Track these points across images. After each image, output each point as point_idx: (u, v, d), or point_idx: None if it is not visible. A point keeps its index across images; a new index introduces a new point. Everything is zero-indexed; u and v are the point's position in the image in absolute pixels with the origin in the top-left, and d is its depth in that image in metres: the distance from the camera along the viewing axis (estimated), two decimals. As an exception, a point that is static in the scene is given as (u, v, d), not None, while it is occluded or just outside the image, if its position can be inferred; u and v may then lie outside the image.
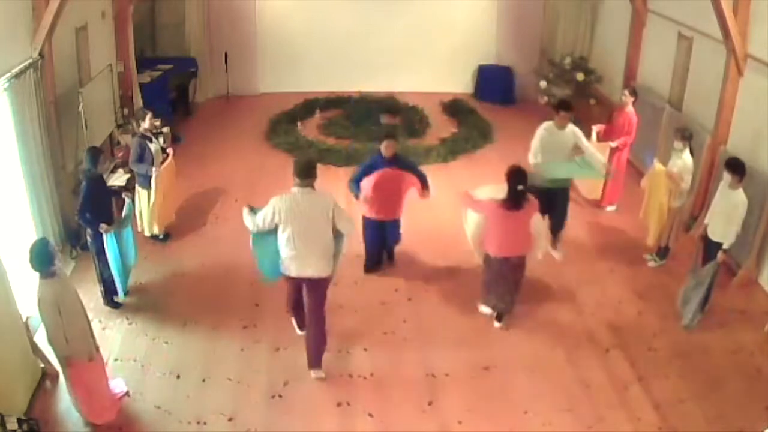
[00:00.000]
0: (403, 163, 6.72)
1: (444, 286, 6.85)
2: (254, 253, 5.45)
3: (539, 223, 6.14)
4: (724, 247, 5.92)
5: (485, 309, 6.32)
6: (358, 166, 6.97)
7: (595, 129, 8.34)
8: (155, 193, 7.15)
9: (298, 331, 5.90)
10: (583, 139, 7.07)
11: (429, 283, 6.90)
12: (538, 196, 6.07)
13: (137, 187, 7.29)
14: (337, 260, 5.43)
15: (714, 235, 6.07)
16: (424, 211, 8.20)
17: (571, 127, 7.00)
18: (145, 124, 7.08)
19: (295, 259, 5.18)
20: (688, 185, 6.84)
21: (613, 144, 7.93)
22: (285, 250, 5.20)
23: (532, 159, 6.95)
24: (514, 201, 5.70)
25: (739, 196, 5.87)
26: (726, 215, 5.92)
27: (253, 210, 5.35)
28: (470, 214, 6.28)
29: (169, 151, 7.68)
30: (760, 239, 6.69)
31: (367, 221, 6.89)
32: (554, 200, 6.97)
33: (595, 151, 7.18)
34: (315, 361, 5.52)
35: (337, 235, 5.33)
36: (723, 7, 6.85)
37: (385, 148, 6.53)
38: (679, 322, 6.26)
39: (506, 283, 6.01)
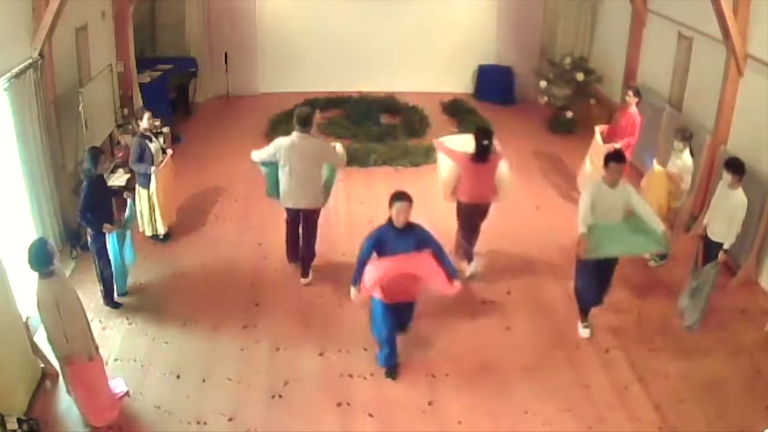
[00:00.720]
0: (419, 236, 5.25)
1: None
2: (264, 175, 6.66)
3: (503, 170, 6.71)
4: (725, 247, 5.92)
5: (465, 265, 6.82)
6: (363, 241, 5.35)
7: (599, 129, 8.33)
8: (157, 193, 7.15)
9: (288, 262, 7.02)
10: (636, 198, 5.79)
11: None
12: (584, 267, 5.81)
13: (137, 187, 7.29)
14: (329, 191, 6.71)
15: (714, 236, 6.07)
16: (424, 212, 8.19)
17: (624, 185, 5.75)
18: (144, 124, 7.08)
19: (291, 192, 6.40)
20: (688, 185, 6.85)
21: (617, 145, 7.92)
22: (283, 183, 6.40)
23: (582, 228, 5.64)
24: (480, 155, 6.44)
25: (739, 196, 5.87)
26: (726, 215, 5.92)
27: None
28: (443, 161, 6.90)
29: (169, 151, 7.69)
30: (760, 239, 6.69)
31: (376, 304, 5.50)
32: (604, 271, 6.00)
33: (652, 212, 5.83)
34: (305, 273, 6.83)
35: (331, 169, 6.60)
36: (723, 7, 6.85)
37: (396, 213, 5.11)
38: (679, 322, 6.26)
39: (472, 228, 6.84)
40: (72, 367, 4.84)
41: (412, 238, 5.18)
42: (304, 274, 6.85)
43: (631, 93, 7.94)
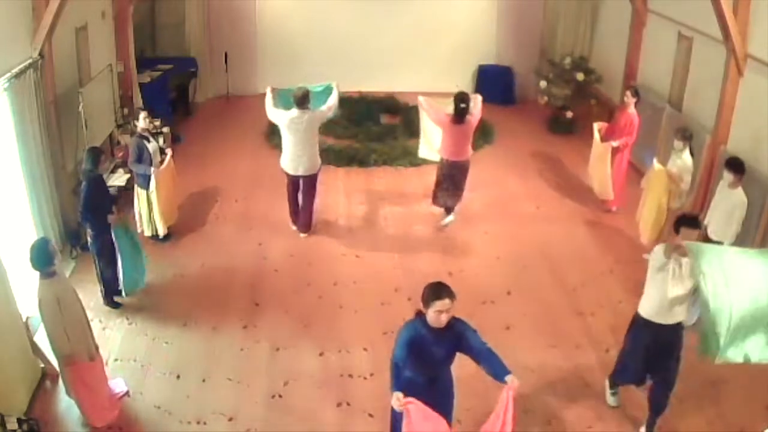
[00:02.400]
0: (460, 337, 4.10)
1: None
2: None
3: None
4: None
5: (437, 208, 7.90)
6: (396, 345, 4.08)
7: (597, 126, 8.34)
8: (156, 193, 7.15)
9: (293, 227, 7.77)
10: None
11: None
12: (637, 336, 4.91)
13: (136, 188, 7.29)
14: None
15: (714, 235, 6.06)
16: (424, 211, 8.21)
17: (692, 251, 4.37)
18: (141, 124, 7.07)
19: (291, 160, 7.35)
20: (688, 185, 6.84)
21: (615, 144, 7.93)
22: (284, 150, 7.42)
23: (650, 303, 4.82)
24: (458, 116, 7.38)
25: (739, 196, 5.86)
26: (726, 215, 5.92)
27: (275, 92, 7.61)
28: (425, 119, 8.15)
29: (168, 151, 7.69)
30: (760, 239, 6.68)
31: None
32: (663, 352, 4.79)
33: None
34: (304, 227, 7.72)
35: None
36: (723, 7, 6.85)
37: (437, 315, 3.92)
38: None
39: (454, 183, 7.66)
40: (73, 367, 4.84)
41: (453, 338, 4.03)
42: (304, 229, 7.69)
43: (629, 93, 7.94)
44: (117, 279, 6.41)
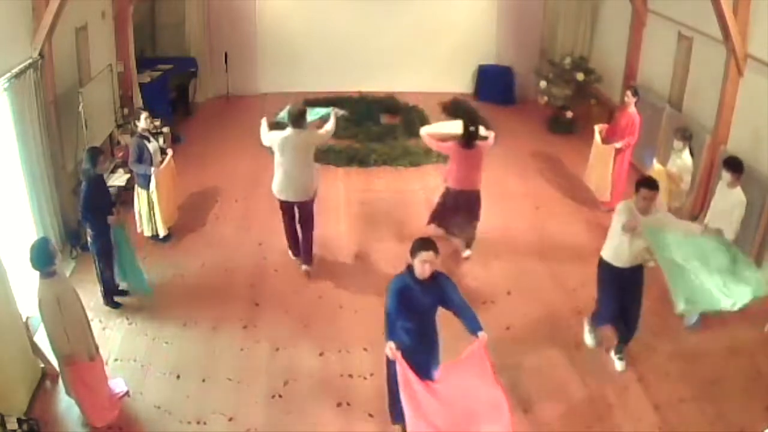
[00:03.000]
0: (443, 289, 4.51)
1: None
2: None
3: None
4: None
5: (435, 229, 7.25)
6: (388, 297, 4.55)
7: (598, 128, 8.34)
8: (157, 193, 7.15)
9: (292, 256, 7.14)
10: (678, 223, 5.55)
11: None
12: (604, 277, 5.57)
13: (137, 188, 7.29)
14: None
15: None
16: (424, 212, 8.20)
17: (656, 213, 5.39)
18: (142, 124, 7.07)
19: (283, 183, 6.65)
20: (688, 185, 6.84)
21: (618, 145, 7.92)
22: (277, 175, 6.68)
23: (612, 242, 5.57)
24: (467, 140, 6.74)
25: (738, 195, 5.86)
26: (725, 214, 5.90)
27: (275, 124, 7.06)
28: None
29: (169, 151, 7.68)
30: (760, 239, 6.68)
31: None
32: (627, 286, 5.49)
33: (695, 225, 5.68)
34: (306, 260, 6.98)
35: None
36: (723, 7, 6.85)
37: (422, 265, 4.34)
38: (679, 322, 6.25)
39: (465, 215, 7.08)
40: (73, 367, 4.84)
41: (436, 289, 4.46)
42: (306, 262, 7.00)
43: (629, 93, 7.94)
44: (116, 279, 6.43)
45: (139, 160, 7.03)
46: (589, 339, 5.92)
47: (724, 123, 7.43)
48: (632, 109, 7.88)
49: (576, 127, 10.76)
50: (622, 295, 5.50)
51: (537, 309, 6.52)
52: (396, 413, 4.78)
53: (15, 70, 6.20)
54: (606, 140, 8.15)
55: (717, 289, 5.07)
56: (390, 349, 4.28)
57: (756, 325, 6.22)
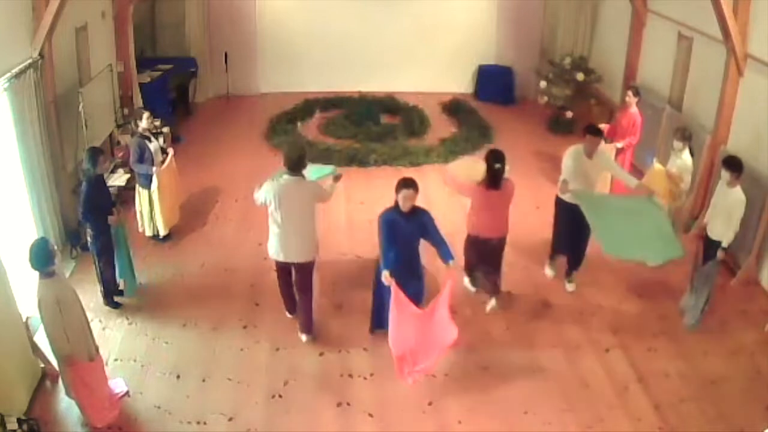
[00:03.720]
0: (423, 221, 5.51)
1: (444, 285, 6.83)
2: None
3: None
4: (723, 245, 5.92)
5: (471, 286, 6.65)
6: (379, 224, 5.54)
7: (600, 128, 8.31)
8: (159, 193, 7.15)
9: (288, 315, 6.24)
10: (617, 168, 6.62)
11: (429, 283, 6.87)
12: (560, 212, 6.56)
13: (138, 188, 7.29)
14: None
15: (713, 234, 6.07)
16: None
17: (601, 154, 6.40)
18: (143, 124, 7.07)
19: (282, 243, 5.68)
20: (688, 185, 6.85)
21: (619, 145, 7.91)
22: (273, 234, 5.71)
23: (564, 177, 6.34)
24: (492, 180, 5.91)
25: (737, 194, 5.86)
26: (725, 214, 5.92)
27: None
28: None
29: (170, 150, 7.68)
30: (760, 239, 6.69)
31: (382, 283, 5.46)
32: (576, 218, 6.21)
33: (631, 177, 6.47)
34: (304, 328, 6.02)
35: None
36: (723, 7, 6.85)
37: (403, 199, 5.38)
38: (679, 322, 6.27)
39: (491, 263, 6.30)
40: (73, 367, 4.84)
41: (417, 222, 5.48)
42: (304, 330, 6.00)
43: (630, 93, 7.94)
44: (117, 279, 6.43)
45: (140, 160, 7.03)
46: (548, 271, 7.01)
47: (724, 123, 7.43)
48: (634, 109, 7.88)
49: (576, 127, 10.74)
50: (572, 228, 6.40)
51: (537, 308, 6.51)
52: (374, 324, 5.95)
53: (15, 70, 6.20)
54: (607, 140, 8.14)
55: (636, 241, 5.98)
56: (385, 276, 5.28)
57: (756, 325, 6.23)
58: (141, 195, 7.26)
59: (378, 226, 5.55)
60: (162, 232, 7.41)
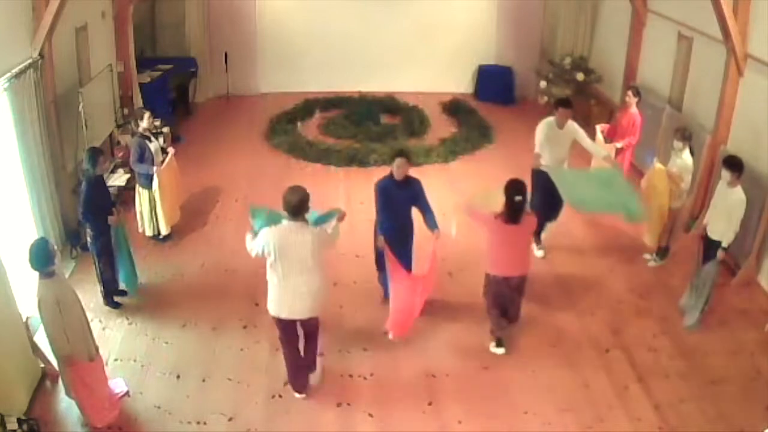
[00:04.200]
0: (415, 189, 5.96)
1: (444, 286, 6.84)
2: None
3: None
4: (723, 245, 5.92)
5: (497, 350, 5.88)
6: (375, 191, 5.99)
7: (600, 128, 8.33)
8: (159, 193, 7.15)
9: (296, 394, 5.37)
10: (585, 139, 7.06)
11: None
12: (537, 182, 6.90)
13: (138, 187, 7.29)
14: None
15: (713, 234, 6.07)
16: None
17: (571, 125, 7.01)
18: (144, 124, 7.07)
19: (285, 299, 4.97)
20: (688, 185, 6.84)
21: (619, 145, 7.91)
22: (274, 288, 4.99)
23: (537, 149, 7.03)
24: (512, 214, 5.44)
25: (738, 194, 5.86)
26: (725, 213, 5.92)
27: (256, 234, 5.07)
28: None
29: (170, 150, 7.69)
30: (760, 239, 6.69)
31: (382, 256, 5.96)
32: (555, 191, 6.59)
33: (598, 147, 7.33)
34: (310, 367, 5.51)
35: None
36: (723, 7, 6.85)
37: (397, 168, 5.81)
38: (679, 322, 6.27)
39: (512, 303, 5.82)
40: (73, 367, 4.84)
41: (410, 189, 5.96)
42: (310, 369, 5.54)
43: (630, 93, 7.94)
44: (117, 279, 6.43)
45: (141, 159, 7.03)
46: (537, 251, 7.34)
47: (724, 123, 7.43)
48: (634, 109, 7.88)
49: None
50: (546, 196, 6.84)
51: (536, 308, 6.51)
52: (385, 292, 6.19)
53: (15, 70, 6.21)
54: (607, 140, 8.14)
55: (603, 202, 6.47)
56: (380, 241, 5.87)
57: (756, 325, 6.23)
58: (141, 195, 7.26)
59: (374, 194, 5.98)
60: (163, 232, 7.40)
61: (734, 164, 5.88)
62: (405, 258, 6.03)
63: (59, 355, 4.83)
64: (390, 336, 5.89)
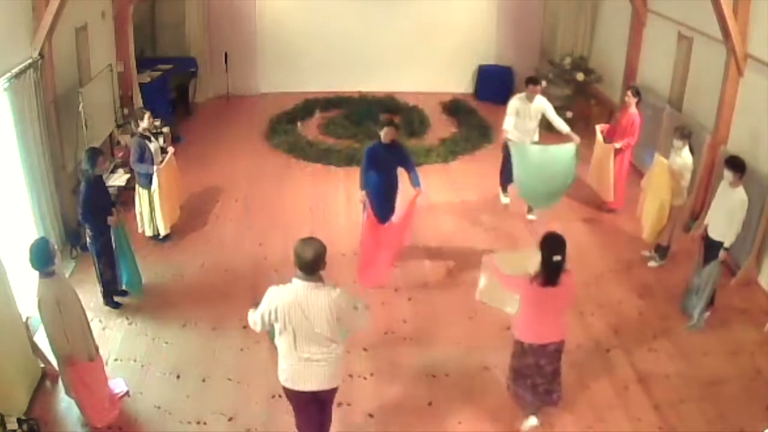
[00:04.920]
0: (400, 152, 6.92)
1: (444, 286, 6.85)
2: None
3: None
4: (725, 245, 5.91)
5: (531, 423, 5.07)
6: (364, 155, 6.88)
7: (599, 128, 8.33)
8: (159, 192, 7.15)
9: None
10: (551, 112, 7.92)
11: (429, 283, 6.90)
12: (506, 154, 7.90)
13: (138, 187, 7.29)
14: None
15: (714, 234, 6.06)
16: (424, 212, 8.20)
17: (540, 99, 7.91)
18: (144, 124, 7.06)
19: (297, 368, 4.26)
20: (688, 183, 6.85)
21: (618, 145, 7.92)
22: (284, 356, 4.28)
23: (507, 126, 7.91)
24: (549, 275, 4.59)
25: (740, 195, 5.86)
26: (726, 214, 5.91)
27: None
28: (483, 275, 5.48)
29: (170, 149, 7.68)
30: (760, 239, 6.69)
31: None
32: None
33: (563, 123, 7.92)
34: None
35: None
36: (723, 7, 6.85)
37: (385, 134, 6.75)
38: (678, 322, 6.27)
39: (544, 374, 4.90)
40: (73, 367, 4.84)
41: (395, 153, 6.83)
42: None
43: (630, 93, 7.94)
44: (117, 279, 6.43)
45: (141, 159, 7.03)
46: (504, 199, 8.50)
47: (724, 123, 7.43)
48: (633, 109, 7.88)
49: (576, 128, 10.71)
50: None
51: (537, 309, 6.51)
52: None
53: (15, 70, 6.20)
54: (607, 141, 8.15)
55: (544, 195, 7.60)
56: (362, 195, 6.74)
57: (756, 325, 6.23)
58: (141, 195, 7.26)
59: (364, 158, 6.81)
60: (162, 232, 7.40)
61: (737, 164, 5.87)
62: (389, 210, 7.02)
63: (59, 354, 4.83)
64: (359, 285, 6.49)
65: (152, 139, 7.25)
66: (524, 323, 4.82)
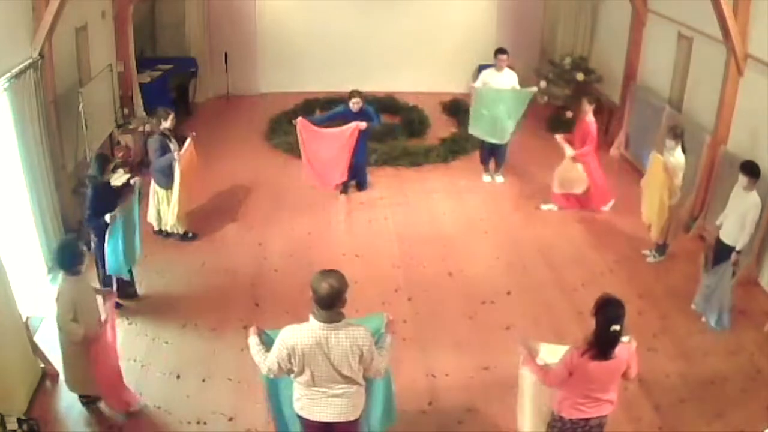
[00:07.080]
0: (366, 113, 8.33)
1: (444, 286, 6.85)
2: (269, 401, 4.32)
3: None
4: (738, 248, 5.92)
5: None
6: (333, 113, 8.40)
7: (558, 138, 8.24)
8: (179, 190, 7.14)
9: None
10: (516, 84, 8.82)
11: (429, 284, 6.90)
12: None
13: (154, 186, 7.26)
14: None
15: (727, 238, 6.06)
16: (424, 212, 8.23)
17: (508, 70, 8.79)
18: (167, 124, 7.06)
19: (314, 401, 3.95)
20: (680, 182, 6.86)
21: (570, 153, 7.93)
22: (299, 388, 3.97)
23: (476, 85, 8.95)
24: (604, 348, 3.86)
25: (753, 198, 5.88)
26: (740, 217, 5.93)
27: (262, 337, 4.08)
28: (526, 380, 4.49)
29: (192, 134, 7.69)
30: (760, 239, 6.68)
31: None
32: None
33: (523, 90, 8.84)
34: None
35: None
36: (723, 7, 6.85)
37: (353, 104, 8.28)
38: (678, 322, 6.27)
39: None
40: (92, 347, 4.78)
41: (363, 114, 8.28)
42: None
43: (586, 101, 7.98)
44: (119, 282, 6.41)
45: (162, 156, 7.03)
46: (486, 177, 9.20)
47: (724, 123, 7.43)
48: (590, 117, 7.92)
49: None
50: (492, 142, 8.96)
51: (537, 309, 6.52)
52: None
53: (15, 70, 6.21)
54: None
55: (496, 130, 8.77)
56: (299, 122, 8.25)
57: (756, 325, 6.23)
58: (158, 194, 7.25)
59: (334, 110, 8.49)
60: (180, 230, 7.43)
61: (751, 169, 5.89)
62: (356, 172, 8.56)
63: (73, 341, 4.76)
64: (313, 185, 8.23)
65: (171, 139, 7.24)
66: (566, 395, 4.05)
